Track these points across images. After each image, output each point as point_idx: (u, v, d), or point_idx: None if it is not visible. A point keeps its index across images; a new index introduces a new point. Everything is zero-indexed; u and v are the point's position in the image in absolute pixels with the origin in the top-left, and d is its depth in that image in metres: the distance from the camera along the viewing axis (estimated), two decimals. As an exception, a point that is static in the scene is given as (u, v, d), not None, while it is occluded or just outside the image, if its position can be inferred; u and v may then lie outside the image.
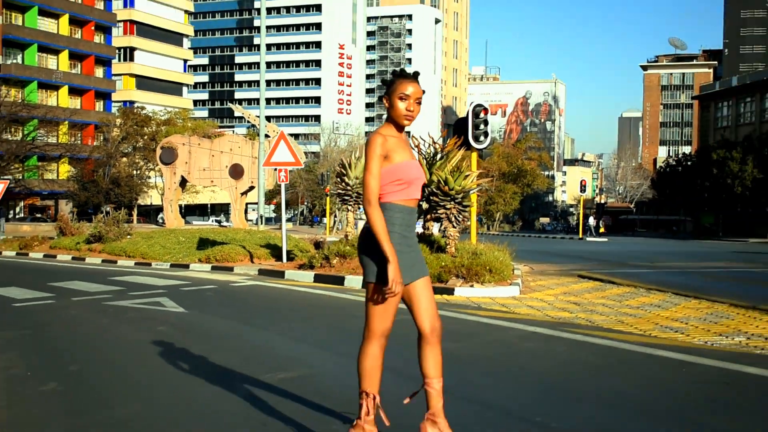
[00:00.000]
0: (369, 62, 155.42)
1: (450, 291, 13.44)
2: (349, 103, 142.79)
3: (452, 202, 15.34)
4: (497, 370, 7.00)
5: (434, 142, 16.57)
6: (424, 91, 4.41)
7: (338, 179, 17.80)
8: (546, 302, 12.34)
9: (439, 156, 16.25)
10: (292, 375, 6.69)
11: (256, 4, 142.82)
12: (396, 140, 4.29)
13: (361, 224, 46.29)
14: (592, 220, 68.06)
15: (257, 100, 40.35)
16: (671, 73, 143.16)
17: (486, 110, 17.99)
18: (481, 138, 17.74)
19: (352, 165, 17.69)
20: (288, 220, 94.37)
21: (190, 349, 8.10)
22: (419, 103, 4.33)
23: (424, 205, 16.02)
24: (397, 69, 4.48)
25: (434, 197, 15.55)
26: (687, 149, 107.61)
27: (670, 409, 5.69)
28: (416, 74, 4.40)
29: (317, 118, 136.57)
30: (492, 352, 7.92)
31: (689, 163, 74.10)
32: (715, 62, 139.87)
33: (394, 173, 4.22)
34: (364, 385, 4.37)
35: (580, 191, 62.47)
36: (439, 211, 15.48)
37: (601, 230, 72.79)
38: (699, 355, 7.55)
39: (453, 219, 15.36)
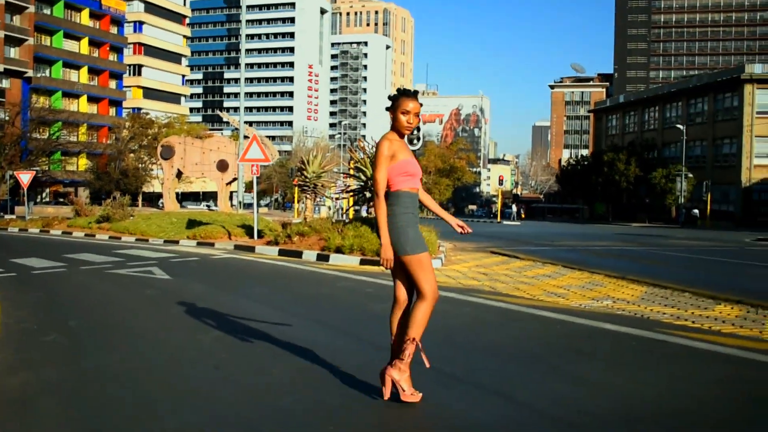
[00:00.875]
0: (332, 79, 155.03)
1: (386, 263, 13.45)
2: (316, 111, 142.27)
3: (389, 193, 15.38)
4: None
5: (376, 144, 16.60)
6: (421, 105, 4.44)
7: (299, 173, 17.71)
8: (461, 272, 12.40)
9: (380, 155, 16.27)
10: (249, 328, 6.69)
11: (242, 32, 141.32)
12: (399, 143, 4.35)
13: (323, 210, 46.12)
14: (514, 207, 68.50)
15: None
16: (573, 92, 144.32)
17: (418, 119, 18.01)
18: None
19: (309, 161, 17.60)
20: (265, 205, 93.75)
21: (169, 309, 8.07)
22: (417, 116, 4.37)
23: (368, 194, 16.03)
24: (400, 87, 4.51)
25: (375, 188, 15.58)
26: (585, 152, 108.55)
27: (536, 354, 5.78)
28: (416, 92, 4.43)
29: (290, 123, 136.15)
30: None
31: (586, 163, 74.84)
32: (607, 83, 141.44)
33: (402, 168, 4.28)
34: (413, 333, 4.27)
35: (498, 184, 62.90)
36: (379, 200, 15.50)
37: (522, 216, 73.37)
38: (572, 315, 7.65)
39: (390, 206, 15.40)
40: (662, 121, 68.95)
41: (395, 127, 4.37)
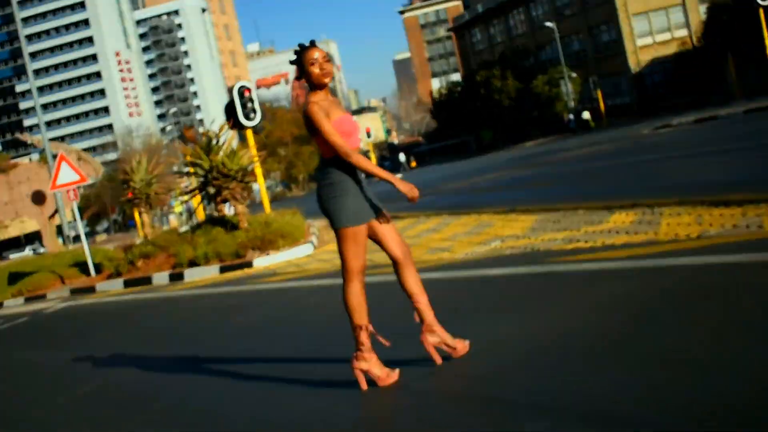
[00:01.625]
0: (148, 62, 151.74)
1: (249, 264, 13.50)
2: (137, 105, 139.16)
3: (234, 182, 15.33)
4: (287, 329, 7.23)
5: (205, 133, 16.48)
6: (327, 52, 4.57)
7: (125, 185, 17.40)
8: (335, 252, 12.51)
9: (213, 142, 16.15)
10: (81, 393, 6.58)
11: (26, 31, 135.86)
12: (327, 102, 4.48)
13: (172, 218, 45.40)
14: (402, 156, 69.33)
15: (47, 124, 38.97)
16: (426, 13, 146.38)
17: (249, 90, 17.88)
18: (251, 115, 17.67)
19: (134, 169, 17.32)
20: (103, 230, 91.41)
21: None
22: (328, 61, 4.55)
23: (211, 190, 15.91)
24: (296, 47, 4.58)
25: (217, 181, 15.46)
26: (456, 77, 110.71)
27: (409, 325, 5.92)
28: (312, 42, 4.60)
29: (110, 127, 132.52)
30: (283, 315, 8.14)
31: (459, 88, 76.33)
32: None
33: (336, 128, 4.36)
34: (356, 321, 4.52)
35: (367, 137, 63.34)
36: (224, 193, 15.43)
37: (413, 164, 74.39)
38: (455, 269, 7.94)
39: (238, 196, 15.38)
40: (530, 23, 70.93)
41: (313, 83, 4.53)
